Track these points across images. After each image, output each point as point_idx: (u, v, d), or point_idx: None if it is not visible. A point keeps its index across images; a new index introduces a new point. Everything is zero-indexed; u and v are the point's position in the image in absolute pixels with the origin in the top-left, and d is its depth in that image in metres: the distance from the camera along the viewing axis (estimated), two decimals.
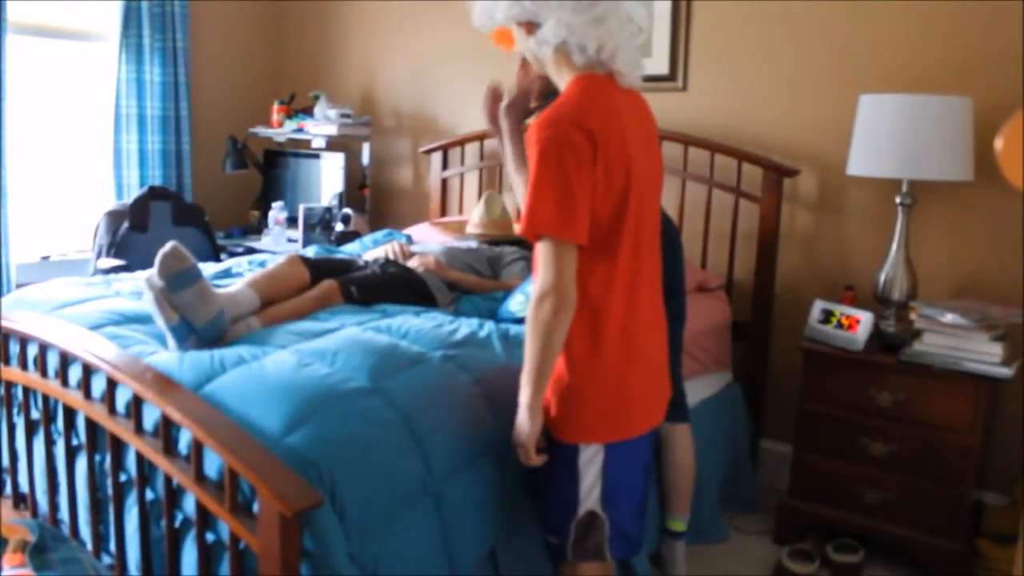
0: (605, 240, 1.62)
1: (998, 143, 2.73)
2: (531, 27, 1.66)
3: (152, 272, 2.04)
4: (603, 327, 1.64)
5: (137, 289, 2.52)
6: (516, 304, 2.49)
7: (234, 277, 2.73)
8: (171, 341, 2.05)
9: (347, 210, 3.90)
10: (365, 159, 4.20)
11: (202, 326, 2.05)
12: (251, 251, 3.96)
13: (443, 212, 3.98)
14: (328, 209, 3.92)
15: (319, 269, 2.56)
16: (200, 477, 1.67)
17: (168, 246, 2.05)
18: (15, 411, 2.27)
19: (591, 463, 1.69)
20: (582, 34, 1.61)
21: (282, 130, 4.23)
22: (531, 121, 1.66)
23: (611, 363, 1.66)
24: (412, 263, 2.78)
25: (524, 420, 1.66)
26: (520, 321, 2.32)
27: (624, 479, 1.73)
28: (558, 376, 1.68)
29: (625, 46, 1.66)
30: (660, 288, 1.80)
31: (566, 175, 1.54)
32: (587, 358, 1.65)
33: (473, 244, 3.05)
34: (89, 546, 2.05)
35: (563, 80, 1.68)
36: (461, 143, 3.87)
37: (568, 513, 1.73)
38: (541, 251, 1.58)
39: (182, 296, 2.02)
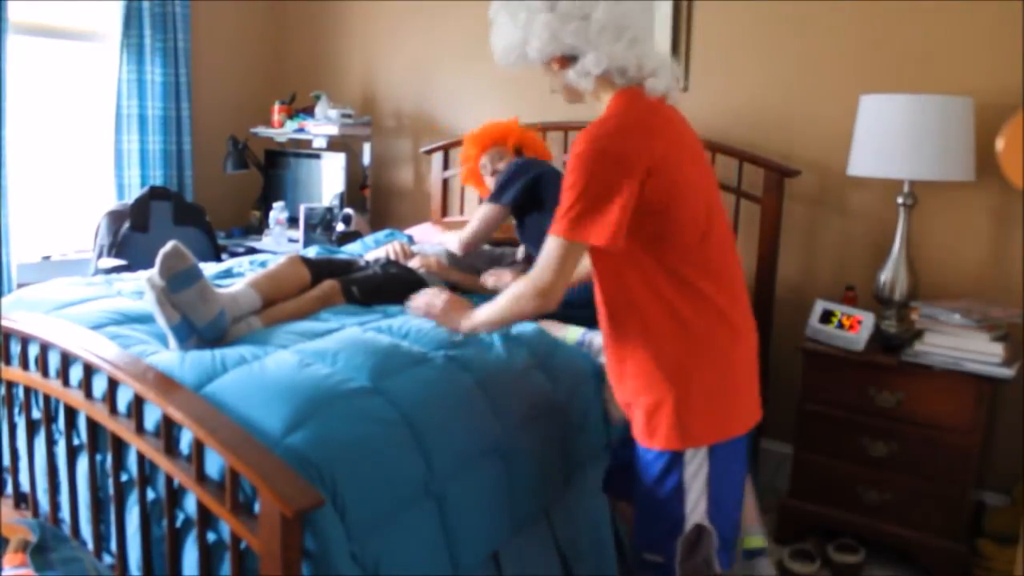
0: (691, 243, 1.63)
1: (999, 143, 2.73)
2: (566, 61, 1.68)
3: (153, 271, 2.05)
4: (698, 330, 1.63)
5: (138, 289, 2.52)
6: None
7: (235, 277, 2.73)
8: (172, 341, 2.05)
9: (348, 210, 3.90)
10: (366, 159, 4.20)
11: (203, 325, 2.05)
12: (252, 251, 3.96)
13: (444, 212, 3.98)
14: (329, 209, 3.92)
15: (320, 269, 2.56)
16: (201, 477, 1.67)
17: (169, 245, 2.05)
18: (16, 411, 2.28)
19: (697, 474, 1.64)
20: (623, 58, 1.64)
21: (283, 130, 4.23)
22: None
23: (713, 366, 1.64)
24: (413, 263, 2.78)
25: (460, 324, 1.92)
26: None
27: (728, 484, 1.68)
28: (650, 384, 1.65)
29: (663, 63, 1.69)
30: (744, 285, 1.78)
31: (600, 185, 1.55)
32: (690, 366, 1.62)
33: None
34: (90, 546, 2.05)
35: (603, 100, 1.70)
36: (462, 143, 3.86)
37: (674, 530, 1.66)
38: (550, 247, 1.61)
39: (183, 295, 2.02)
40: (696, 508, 1.65)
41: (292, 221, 4.11)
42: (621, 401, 1.76)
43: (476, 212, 2.84)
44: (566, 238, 1.58)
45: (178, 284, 2.02)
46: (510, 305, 1.71)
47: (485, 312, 1.82)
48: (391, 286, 2.55)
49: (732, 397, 1.67)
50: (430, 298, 2.03)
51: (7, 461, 2.32)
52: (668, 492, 1.65)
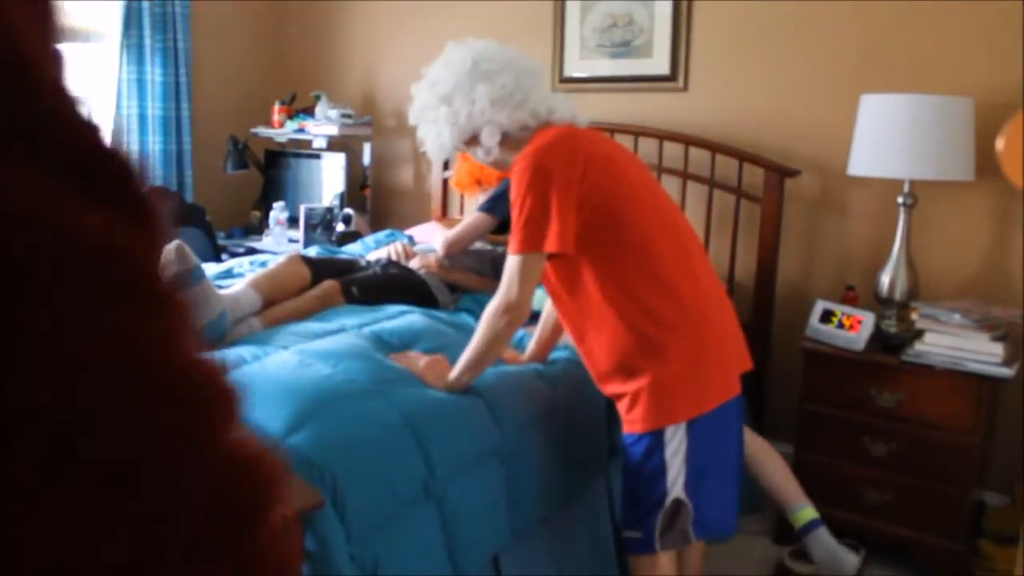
0: (628, 239, 1.74)
1: (999, 143, 2.73)
2: (475, 140, 1.85)
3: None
4: (662, 315, 1.73)
5: None
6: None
7: (235, 277, 2.73)
8: None
9: (348, 210, 3.90)
10: (366, 159, 4.20)
11: (203, 326, 2.05)
12: (252, 251, 3.96)
13: (444, 212, 3.98)
14: (329, 209, 3.92)
15: (320, 268, 2.56)
16: None
17: (172, 246, 2.05)
18: None
19: (676, 451, 1.74)
20: (518, 119, 1.82)
21: (283, 130, 4.23)
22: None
23: (680, 347, 1.73)
24: (414, 263, 2.78)
25: (445, 383, 1.90)
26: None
27: (709, 459, 1.78)
28: (626, 378, 1.76)
29: (559, 102, 1.88)
30: (708, 261, 1.90)
31: (538, 198, 1.69)
32: (657, 349, 1.72)
33: (476, 245, 3.05)
34: None
35: (518, 148, 1.83)
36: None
37: (655, 506, 1.77)
38: (509, 266, 1.74)
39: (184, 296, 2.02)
40: (676, 483, 1.75)
41: (292, 221, 4.11)
42: (610, 395, 1.85)
43: (468, 217, 2.89)
44: (520, 252, 1.72)
45: (180, 285, 2.02)
46: (484, 331, 1.81)
47: (464, 357, 1.88)
48: (391, 286, 2.55)
49: (704, 373, 1.77)
50: (409, 362, 2.02)
51: None
52: (651, 472, 1.75)
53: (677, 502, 1.76)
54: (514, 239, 1.73)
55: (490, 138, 1.83)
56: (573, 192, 1.69)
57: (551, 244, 1.69)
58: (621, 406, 1.81)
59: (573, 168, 1.70)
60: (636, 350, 1.74)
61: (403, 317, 2.32)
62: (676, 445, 1.75)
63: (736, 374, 1.86)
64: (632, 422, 1.78)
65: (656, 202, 1.82)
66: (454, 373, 1.90)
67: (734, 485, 1.89)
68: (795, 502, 2.47)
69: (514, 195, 1.72)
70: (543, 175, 1.69)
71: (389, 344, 2.13)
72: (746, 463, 2.45)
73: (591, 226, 1.72)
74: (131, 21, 3.86)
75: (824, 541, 2.45)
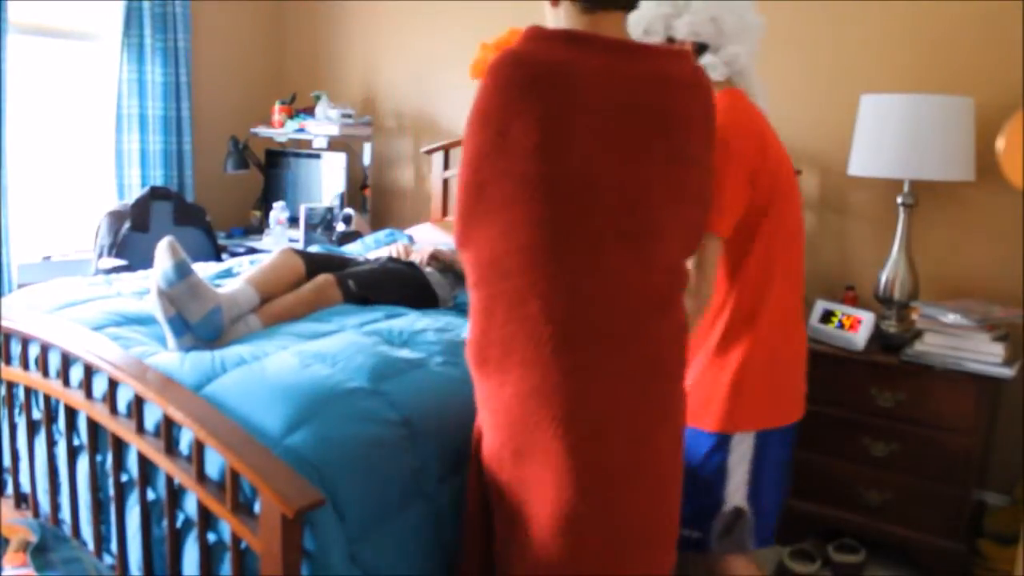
0: (754, 238, 1.70)
1: (999, 143, 2.73)
2: (695, 48, 1.74)
3: (155, 267, 2.06)
4: (759, 316, 1.71)
5: (138, 289, 2.53)
6: None
7: (235, 277, 2.73)
8: (169, 337, 2.05)
9: (348, 210, 3.90)
10: (366, 159, 4.20)
11: (196, 323, 2.05)
12: (252, 251, 3.96)
13: (445, 212, 3.98)
14: (329, 209, 3.92)
15: (314, 261, 2.55)
16: (201, 477, 1.67)
17: (163, 241, 2.06)
18: (16, 411, 2.28)
19: (742, 459, 1.73)
20: (747, 62, 1.76)
21: (283, 130, 4.23)
22: None
23: (765, 352, 1.71)
24: (414, 258, 2.79)
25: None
26: None
27: (770, 471, 1.77)
28: (706, 368, 1.74)
29: (758, 80, 1.81)
30: (802, 285, 1.86)
31: (723, 179, 1.61)
32: (743, 348, 1.70)
33: None
34: (90, 546, 2.05)
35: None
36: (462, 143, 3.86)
37: (713, 509, 1.76)
38: (712, 251, 1.65)
39: (174, 290, 2.03)
40: (737, 491, 1.75)
41: (293, 221, 4.11)
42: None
43: None
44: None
45: (170, 278, 2.03)
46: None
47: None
48: (390, 281, 2.54)
49: (779, 388, 1.76)
50: None
51: (7, 462, 2.32)
52: (712, 472, 1.74)
53: (738, 510, 1.76)
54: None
55: (737, 60, 1.73)
56: (746, 182, 1.65)
57: (727, 229, 1.64)
58: (692, 398, 1.71)
59: (754, 158, 1.66)
60: (725, 348, 1.72)
61: (403, 318, 2.32)
62: (742, 453, 1.73)
63: (803, 396, 1.84)
64: (700, 416, 1.74)
65: (784, 206, 1.76)
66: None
67: (785, 496, 1.89)
68: None
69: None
70: (726, 154, 1.60)
71: (390, 341, 2.12)
72: None
73: (751, 221, 1.68)
74: (131, 21, 3.86)
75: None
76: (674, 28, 1.75)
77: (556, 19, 1.51)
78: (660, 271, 1.45)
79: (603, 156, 1.39)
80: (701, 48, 1.74)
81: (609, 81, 1.40)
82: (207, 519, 1.70)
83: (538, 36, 1.42)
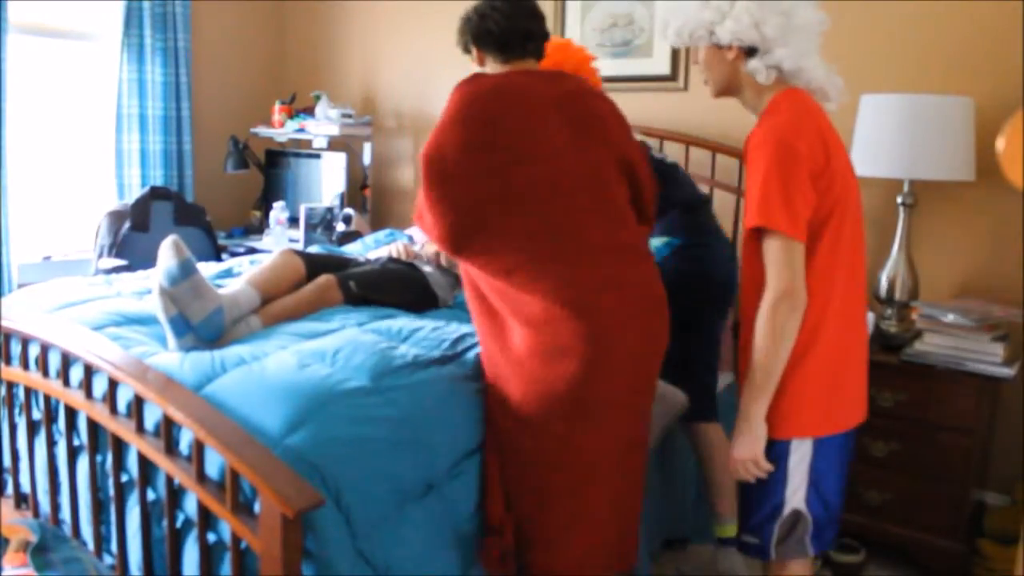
0: (818, 240, 1.67)
1: (999, 143, 2.72)
2: (742, 52, 1.73)
3: (158, 265, 2.06)
4: (821, 322, 1.67)
5: (138, 289, 2.53)
6: None
7: (235, 277, 2.73)
8: (170, 337, 2.05)
9: (348, 210, 3.90)
10: (366, 159, 4.20)
11: (197, 323, 2.05)
12: (252, 251, 3.96)
13: None
14: (329, 209, 3.92)
15: (315, 262, 2.55)
16: (201, 477, 1.67)
17: (168, 239, 2.06)
18: (16, 411, 2.28)
19: (800, 462, 1.72)
20: (805, 62, 1.75)
21: (283, 130, 4.23)
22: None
23: (826, 357, 1.68)
24: (419, 254, 2.79)
25: (755, 430, 1.67)
26: None
27: (829, 475, 1.75)
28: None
29: (828, 72, 1.82)
30: (865, 288, 1.81)
31: (788, 179, 1.61)
32: (802, 353, 1.67)
33: None
34: (90, 546, 2.05)
35: (764, 98, 1.76)
36: None
37: (773, 514, 1.75)
38: (774, 250, 1.64)
39: (176, 289, 2.03)
40: (796, 495, 1.73)
41: (292, 221, 4.11)
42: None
43: None
44: (784, 234, 1.63)
45: (173, 277, 2.03)
46: (765, 334, 1.64)
47: (753, 377, 1.67)
48: (390, 281, 2.54)
49: (840, 391, 1.73)
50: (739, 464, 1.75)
51: (7, 461, 2.32)
52: (771, 478, 1.72)
53: (796, 513, 1.74)
54: (774, 214, 1.62)
55: (787, 61, 1.71)
56: (808, 182, 1.63)
57: (804, 234, 1.63)
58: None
59: (818, 159, 1.64)
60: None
61: (403, 318, 2.31)
62: (801, 455, 1.71)
63: (864, 401, 1.81)
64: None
65: (846, 209, 1.71)
66: (756, 409, 1.67)
67: (843, 500, 1.87)
68: (729, 514, 2.46)
69: (763, 166, 1.63)
70: (790, 155, 1.62)
71: (390, 339, 2.12)
72: (704, 453, 2.46)
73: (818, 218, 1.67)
74: (132, 21, 3.86)
75: (733, 560, 2.46)
76: (717, 35, 1.73)
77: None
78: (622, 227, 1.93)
79: (562, 145, 1.88)
80: (750, 51, 1.72)
81: (546, 92, 1.93)
82: (207, 519, 1.70)
83: (480, 74, 1.98)
